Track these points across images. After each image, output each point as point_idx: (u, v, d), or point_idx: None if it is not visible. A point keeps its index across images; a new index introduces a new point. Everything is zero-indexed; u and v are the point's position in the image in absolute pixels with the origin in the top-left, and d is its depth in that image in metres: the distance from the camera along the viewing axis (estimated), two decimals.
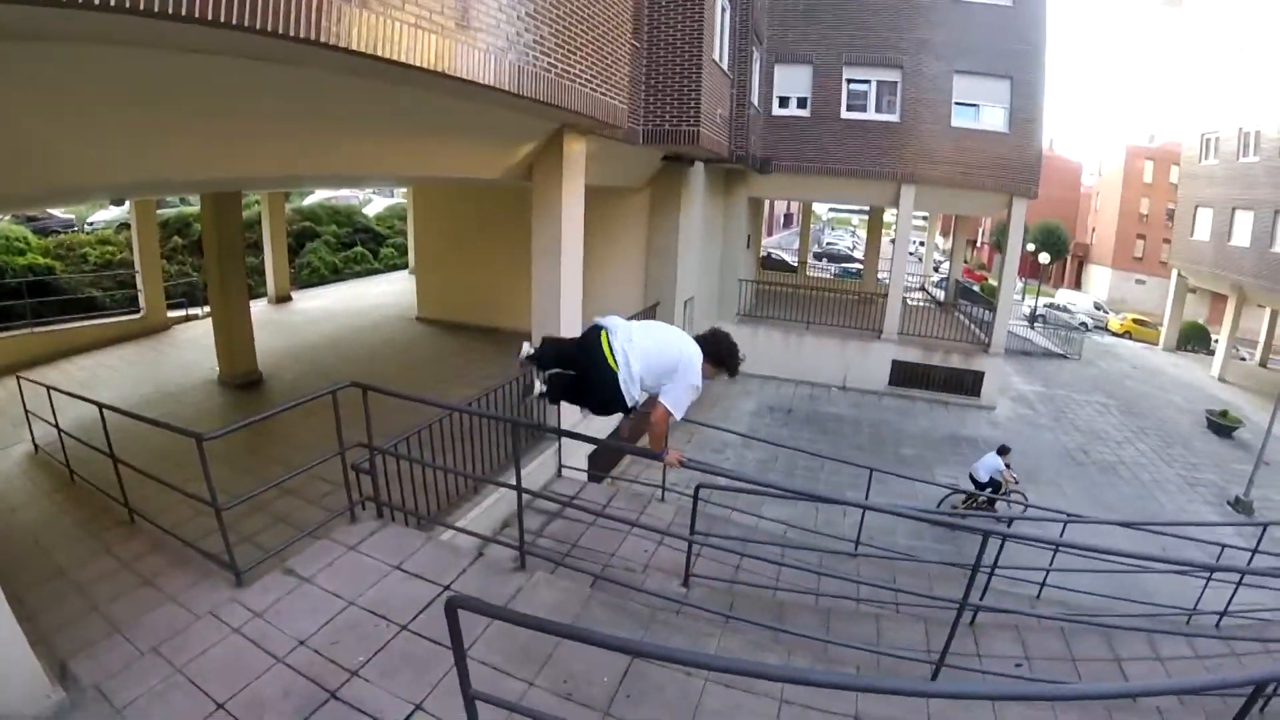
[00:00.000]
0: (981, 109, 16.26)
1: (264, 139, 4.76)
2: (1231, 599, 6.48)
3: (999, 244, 47.43)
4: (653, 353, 3.81)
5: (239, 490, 4.50)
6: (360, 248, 23.87)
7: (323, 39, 3.29)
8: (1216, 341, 27.50)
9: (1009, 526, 8.55)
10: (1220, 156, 24.61)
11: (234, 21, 2.86)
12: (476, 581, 4.40)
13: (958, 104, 16.19)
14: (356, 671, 3.52)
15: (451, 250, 14.16)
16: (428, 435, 5.89)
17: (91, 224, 20.69)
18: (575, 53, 6.20)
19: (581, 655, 3.75)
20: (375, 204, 31.50)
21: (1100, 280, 49.28)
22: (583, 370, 3.92)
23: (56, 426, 6.64)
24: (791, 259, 32.83)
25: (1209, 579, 7.22)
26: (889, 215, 25.64)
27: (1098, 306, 40.08)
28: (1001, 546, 6.02)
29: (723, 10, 11.40)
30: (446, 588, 4.26)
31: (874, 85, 16.52)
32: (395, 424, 5.54)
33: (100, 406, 5.55)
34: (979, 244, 55.52)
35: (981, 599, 5.83)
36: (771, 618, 5.65)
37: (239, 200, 10.68)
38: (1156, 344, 30.75)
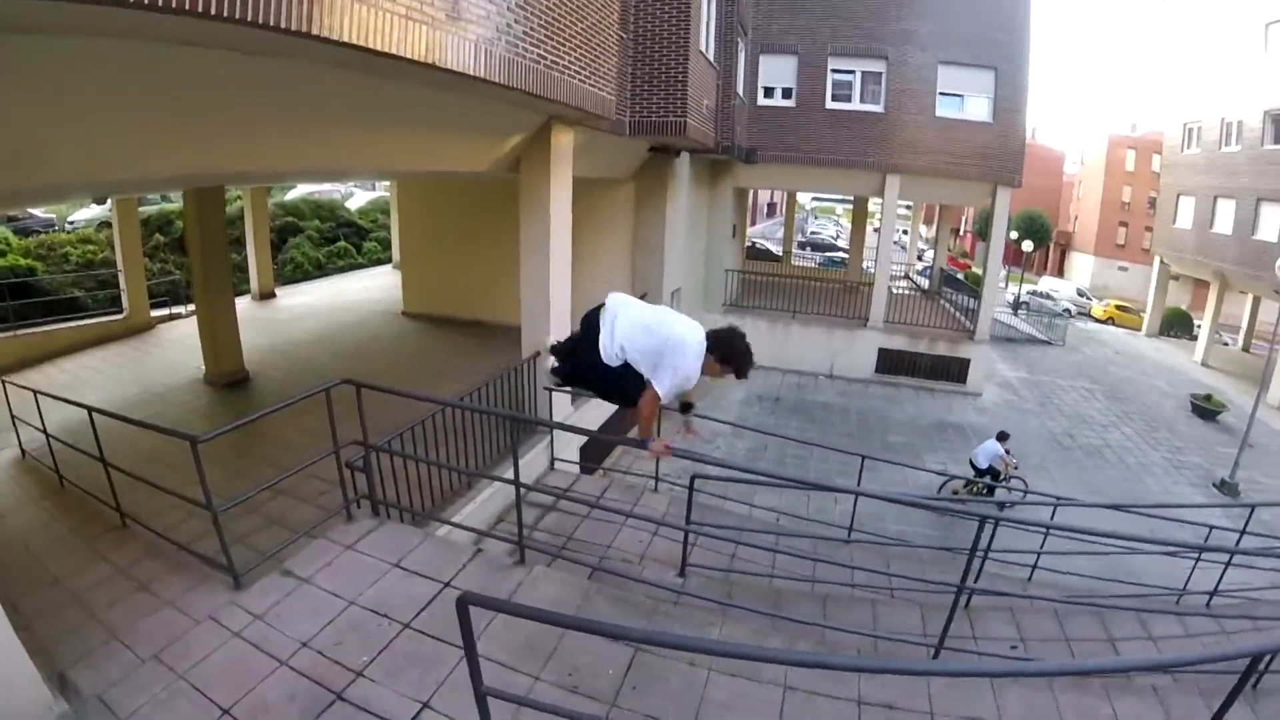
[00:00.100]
0: (966, 99, 16.35)
1: (254, 134, 4.70)
2: (1221, 579, 6.59)
3: (982, 232, 47.86)
4: (638, 326, 3.73)
5: (230, 492, 4.45)
6: (343, 243, 23.62)
7: (315, 31, 3.25)
8: (1199, 327, 27.87)
9: (1001, 510, 8.64)
10: (1202, 146, 24.93)
11: (225, 14, 2.81)
12: (477, 577, 4.37)
13: (942, 94, 16.27)
14: (361, 672, 3.49)
15: (436, 244, 14.06)
16: (420, 431, 5.84)
17: (72, 223, 20.37)
18: (564, 44, 6.16)
19: (586, 648, 3.76)
20: (357, 198, 31.22)
21: (1083, 267, 49.79)
22: (582, 348, 3.91)
23: (44, 431, 6.52)
24: (776, 248, 32.88)
25: (1198, 559, 7.33)
26: (873, 204, 25.76)
27: (1081, 293, 40.49)
28: (995, 530, 6.08)
29: (708, 1, 11.35)
30: (447, 584, 4.23)
31: (859, 76, 16.54)
32: (386, 420, 5.49)
33: (90, 410, 5.45)
34: (962, 232, 55.86)
35: (976, 582, 5.89)
36: (769, 605, 5.68)
37: (222, 196, 10.52)
38: (1139, 330, 31.15)
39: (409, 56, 3.99)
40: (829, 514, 9.65)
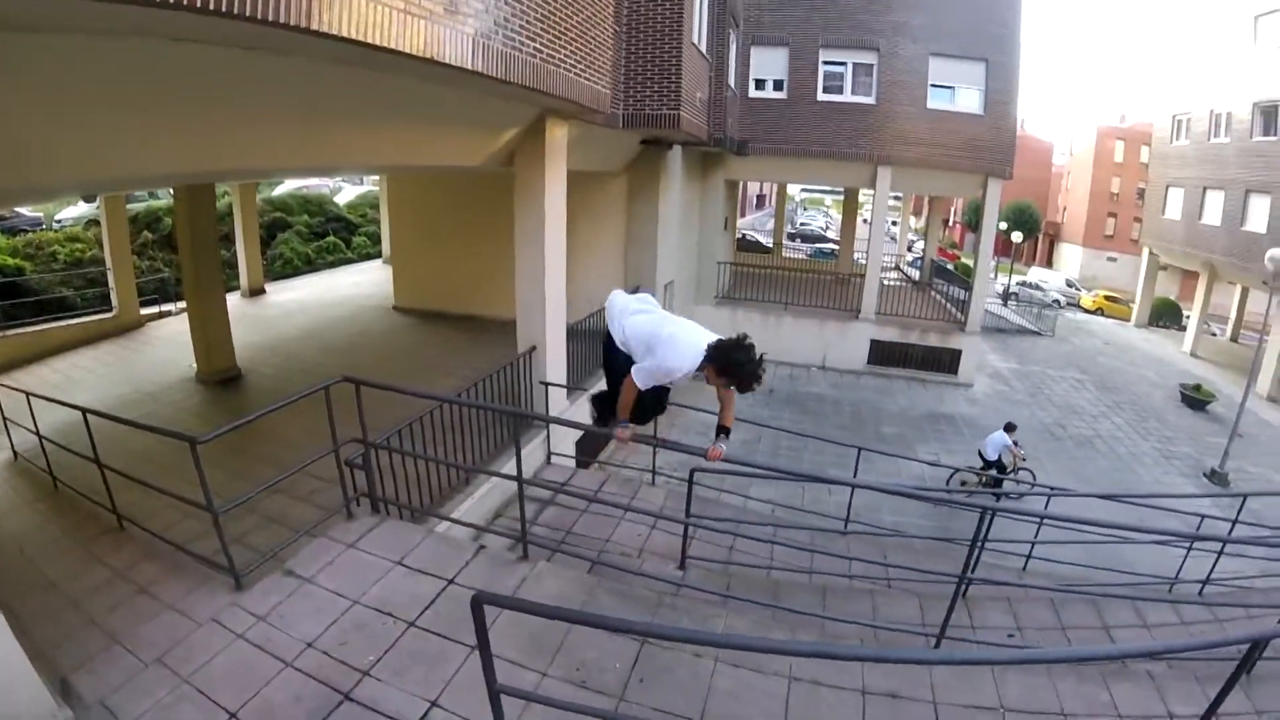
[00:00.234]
0: (957, 91, 16.40)
1: (252, 131, 4.64)
2: (1213, 568, 6.66)
3: (971, 223, 48.13)
4: (641, 318, 4.03)
5: (226, 491, 4.40)
6: (333, 237, 23.42)
7: (315, 26, 3.20)
8: (1188, 317, 28.10)
9: (999, 500, 8.72)
10: (1191, 137, 25.08)
11: (226, 10, 2.77)
12: (480, 574, 4.37)
13: (933, 86, 16.32)
14: (368, 671, 3.47)
15: (427, 238, 13.99)
16: (418, 428, 5.81)
17: (60, 221, 20.06)
18: (560, 38, 6.12)
19: (592, 642, 3.76)
20: (346, 192, 30.96)
21: (1072, 258, 50.12)
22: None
23: (36, 433, 6.43)
24: (766, 240, 32.90)
25: (1190, 549, 7.41)
26: (863, 195, 25.79)
27: (1070, 284, 40.78)
28: (992, 521, 6.13)
29: None
30: (451, 581, 4.22)
31: (850, 67, 16.54)
32: (382, 417, 5.43)
33: (84, 411, 5.38)
34: (951, 223, 56.08)
35: (973, 572, 5.95)
36: (769, 597, 5.72)
37: (213, 192, 10.44)
38: (1128, 320, 31.39)
39: (407, 51, 3.95)
40: (824, 505, 9.68)
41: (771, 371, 16.51)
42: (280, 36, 3.32)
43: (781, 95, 16.89)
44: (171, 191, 13.56)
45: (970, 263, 25.78)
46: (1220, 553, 6.76)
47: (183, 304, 11.85)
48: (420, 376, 10.04)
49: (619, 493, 7.54)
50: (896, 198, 40.60)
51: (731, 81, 14.71)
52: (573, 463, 8.63)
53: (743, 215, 42.48)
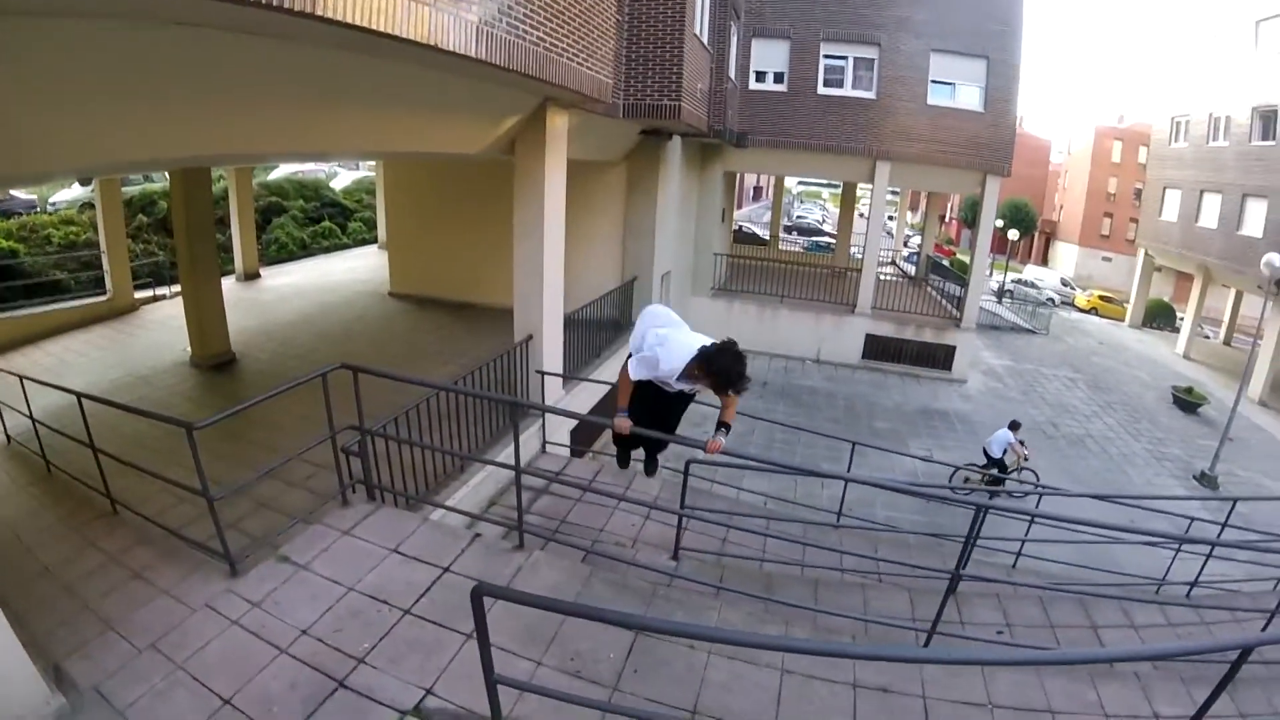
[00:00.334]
0: (957, 87, 16.37)
1: (249, 115, 4.60)
2: (1201, 570, 6.72)
3: (967, 219, 48.17)
4: (663, 330, 4.38)
5: (219, 476, 4.38)
6: (328, 222, 23.29)
7: (319, 12, 3.18)
8: (1181, 319, 28.19)
9: (992, 499, 8.76)
10: (1190, 140, 25.09)
11: None
12: (476, 563, 4.37)
13: (934, 82, 16.29)
14: (363, 659, 3.48)
15: (423, 224, 13.93)
16: (414, 415, 5.80)
17: (54, 204, 19.87)
18: (563, 26, 6.09)
19: (587, 632, 3.77)
20: (342, 177, 30.74)
21: (1067, 257, 50.25)
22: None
23: (30, 417, 6.36)
24: (762, 232, 32.86)
25: (1178, 550, 7.47)
26: (861, 189, 25.78)
27: (1065, 283, 40.87)
28: (984, 518, 6.17)
29: None
30: (446, 570, 4.23)
31: (851, 61, 16.49)
32: (376, 403, 5.41)
33: (79, 396, 5.34)
34: (947, 219, 56.13)
35: (964, 568, 5.99)
36: (761, 589, 5.74)
37: (209, 176, 10.34)
38: (1122, 320, 31.51)
39: (411, 38, 3.93)
40: (816, 499, 9.74)
41: (766, 364, 16.84)
42: (283, 21, 3.29)
43: (782, 88, 16.82)
44: (167, 175, 13.46)
45: (966, 259, 25.83)
46: (1209, 556, 6.82)
47: (177, 288, 11.76)
48: (416, 363, 10.01)
49: (613, 483, 7.54)
50: (894, 192, 40.66)
51: (732, 73, 14.66)
52: (567, 451, 8.64)
53: (739, 207, 42.44)
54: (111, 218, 12.23)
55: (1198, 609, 6.13)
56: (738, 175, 26.42)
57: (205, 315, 9.97)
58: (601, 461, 9.01)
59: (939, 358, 17.58)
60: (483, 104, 6.70)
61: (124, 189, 14.83)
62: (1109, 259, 46.92)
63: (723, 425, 4.42)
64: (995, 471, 11.45)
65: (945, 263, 24.46)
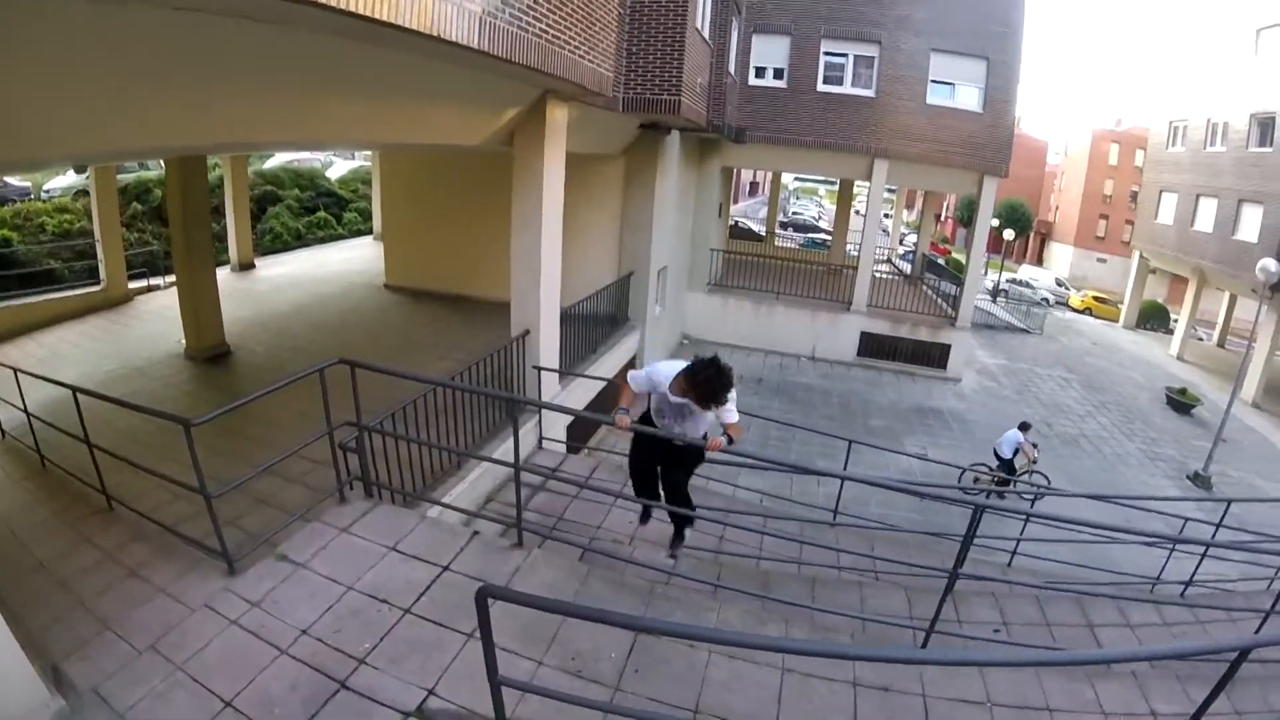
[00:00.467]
0: (957, 87, 16.34)
1: (249, 103, 4.53)
2: (1196, 570, 6.76)
3: (963, 218, 48.23)
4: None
5: (215, 472, 4.31)
6: (324, 213, 23.12)
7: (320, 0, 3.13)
8: (1176, 321, 28.33)
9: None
10: (1187, 144, 25.17)
11: None
12: (475, 561, 4.35)
13: (933, 82, 16.26)
14: (364, 659, 3.45)
15: (420, 216, 13.85)
16: (411, 410, 5.75)
17: (48, 191, 19.67)
18: (566, 19, 6.05)
19: (587, 632, 3.75)
20: (338, 167, 30.55)
21: (1062, 257, 50.42)
22: None
23: (24, 410, 6.28)
24: (759, 228, 32.84)
25: (1172, 550, 7.50)
26: (858, 186, 25.78)
27: (1059, 283, 40.98)
28: (981, 517, 6.18)
29: None
30: (445, 568, 4.20)
31: (851, 59, 16.45)
32: (373, 398, 5.36)
33: (74, 390, 5.27)
34: (944, 217, 56.21)
35: (961, 567, 6.00)
36: (759, 587, 5.74)
37: (205, 165, 10.23)
38: (1116, 321, 31.63)
39: (414, 28, 3.88)
40: (812, 496, 9.74)
41: (761, 361, 16.85)
42: (286, 8, 3.24)
43: (781, 84, 16.76)
44: (162, 163, 13.35)
45: (961, 258, 25.86)
46: (1203, 555, 6.86)
47: (172, 278, 11.67)
48: (411, 356, 9.97)
49: (610, 479, 7.53)
50: (891, 190, 40.73)
51: (732, 68, 14.60)
52: (564, 448, 8.62)
53: (735, 202, 42.42)
54: (106, 206, 12.13)
55: (1193, 608, 6.17)
56: (735, 171, 26.40)
57: (200, 306, 9.89)
58: (598, 458, 9.00)
59: (934, 356, 17.61)
60: (483, 95, 6.65)
61: (119, 176, 14.73)
62: (1104, 260, 47.09)
63: (730, 439, 4.55)
64: (1003, 474, 11.49)
65: (941, 261, 24.49)
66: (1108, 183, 47.72)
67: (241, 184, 15.42)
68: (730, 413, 4.36)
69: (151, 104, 3.93)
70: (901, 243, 36.46)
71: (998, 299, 30.88)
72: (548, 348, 8.49)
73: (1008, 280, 35.80)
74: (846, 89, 16.60)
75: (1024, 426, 11.85)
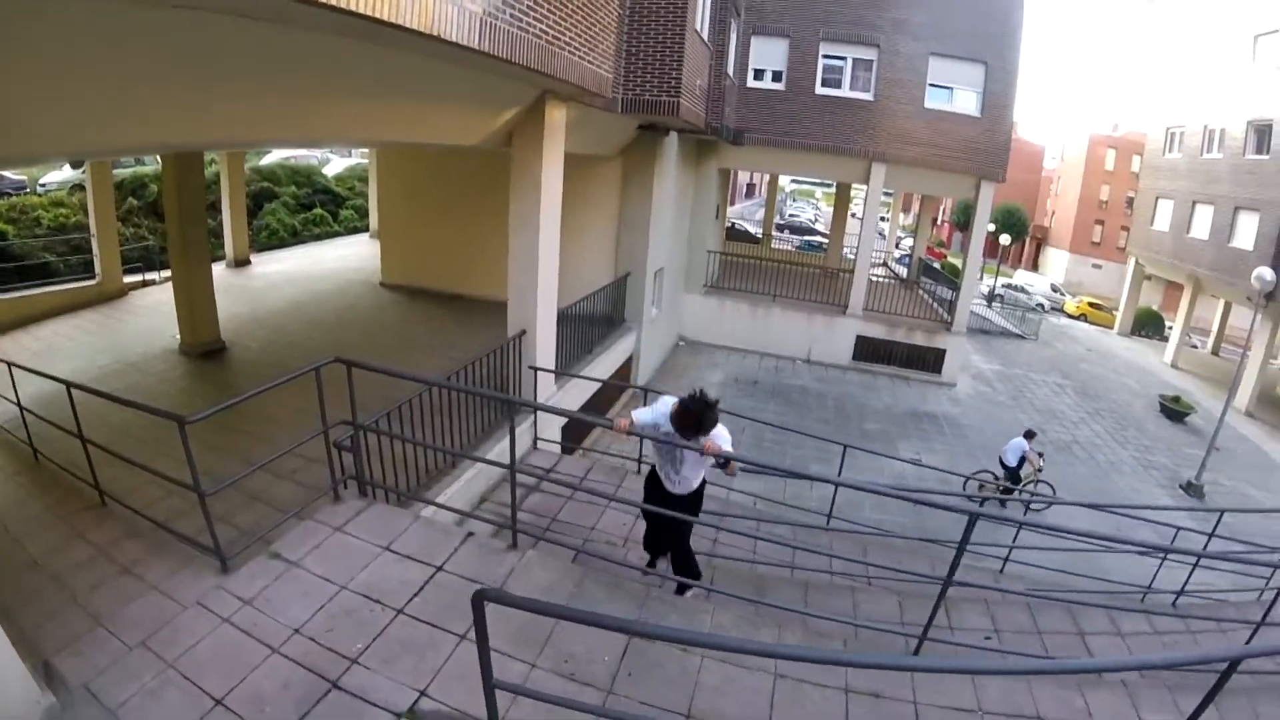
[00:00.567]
0: (955, 92, 16.38)
1: (247, 101, 4.53)
2: (1187, 580, 6.78)
3: (959, 222, 48.31)
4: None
5: (209, 468, 4.31)
6: (320, 209, 23.12)
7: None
8: (1170, 328, 28.41)
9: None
10: (1184, 151, 25.27)
11: None
12: (469, 562, 4.34)
13: (932, 85, 16.28)
14: (356, 659, 3.44)
15: (416, 214, 13.86)
16: (407, 409, 5.76)
17: (44, 185, 19.64)
18: (566, 20, 6.05)
19: (580, 635, 3.75)
20: (334, 164, 30.51)
21: (1057, 263, 50.56)
22: None
23: (18, 404, 6.25)
24: (755, 230, 32.87)
25: (1164, 559, 7.53)
26: (855, 189, 25.81)
27: (1055, 289, 41.16)
28: (974, 524, 6.19)
29: None
30: (439, 569, 4.19)
31: (849, 62, 16.46)
32: (369, 395, 5.34)
33: (68, 385, 5.24)
34: (940, 221, 56.33)
35: (954, 575, 6.02)
36: (752, 591, 5.75)
37: (201, 160, 10.22)
38: (1111, 328, 31.76)
39: (415, 27, 3.88)
40: (805, 500, 9.74)
41: (757, 363, 16.88)
42: (286, 6, 3.24)
43: (780, 86, 16.78)
44: (159, 158, 13.31)
45: (957, 262, 25.90)
46: (1195, 565, 6.89)
47: (167, 273, 11.65)
48: (407, 355, 9.96)
49: (605, 480, 7.54)
50: (888, 194, 40.80)
51: (730, 70, 14.62)
52: (558, 448, 8.62)
53: (732, 204, 42.48)
54: (102, 200, 12.09)
55: (1184, 618, 6.20)
56: (732, 172, 26.43)
57: (196, 302, 9.86)
58: (592, 459, 9.00)
59: (929, 361, 17.65)
60: (482, 95, 6.65)
61: (115, 171, 14.69)
62: (1099, 266, 47.24)
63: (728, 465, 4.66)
64: (1008, 482, 11.53)
65: (936, 265, 24.55)
66: (1104, 188, 47.88)
67: (238, 180, 15.40)
68: (724, 441, 4.52)
69: (151, 102, 3.92)
70: (898, 246, 36.53)
71: (993, 304, 30.96)
72: (544, 348, 8.49)
73: (1003, 285, 35.90)
74: (845, 92, 16.62)
75: (1029, 435, 11.89)
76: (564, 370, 9.41)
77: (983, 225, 17.36)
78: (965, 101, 16.38)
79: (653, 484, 5.04)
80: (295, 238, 20.90)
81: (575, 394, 9.82)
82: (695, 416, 4.34)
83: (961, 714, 3.84)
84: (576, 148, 9.13)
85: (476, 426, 7.13)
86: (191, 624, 3.62)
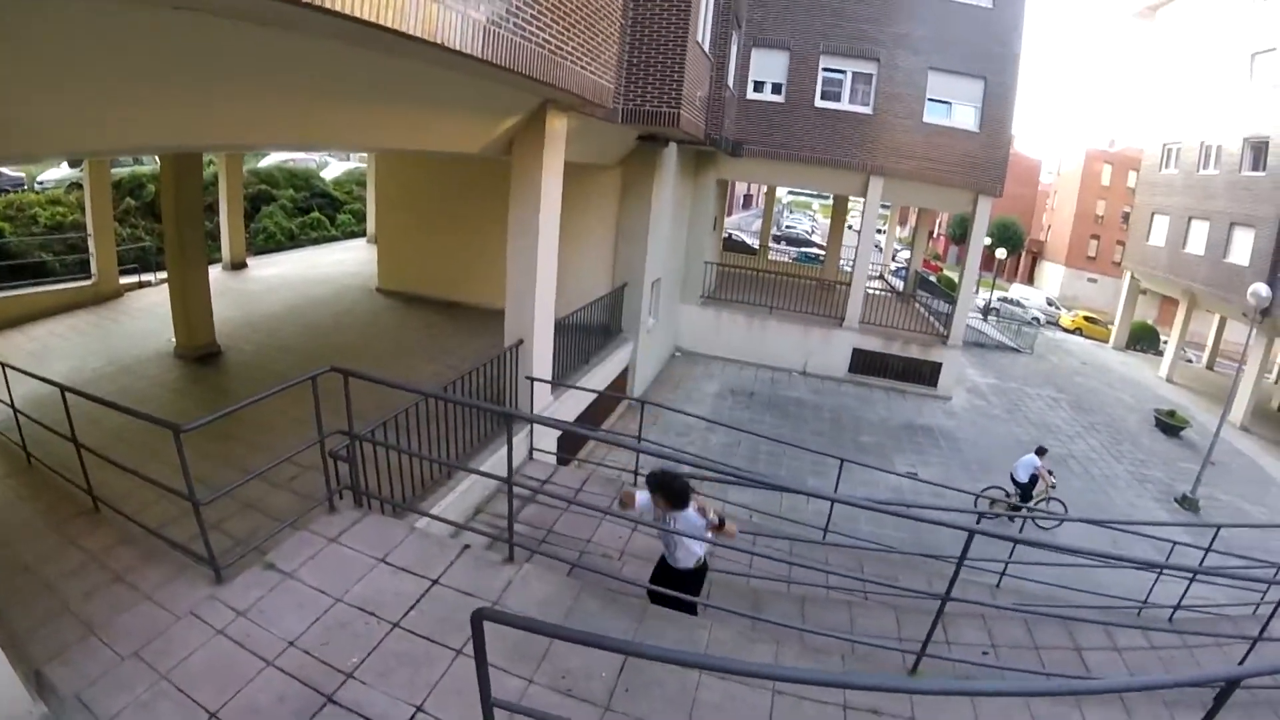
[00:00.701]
0: (954, 106, 16.43)
1: (248, 104, 4.50)
2: (1184, 594, 6.77)
3: (955, 235, 48.50)
4: None
5: (203, 474, 4.26)
6: (317, 213, 23.02)
7: (327, 5, 3.10)
8: (1165, 342, 28.49)
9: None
10: (1180, 167, 25.40)
11: None
12: (465, 575, 4.30)
13: (931, 100, 16.34)
14: (351, 673, 3.40)
15: (415, 221, 13.81)
16: (403, 418, 5.71)
17: (42, 183, 19.53)
18: (569, 29, 6.05)
19: (578, 650, 3.71)
20: (333, 168, 30.44)
21: (1053, 277, 50.77)
22: None
23: (12, 406, 6.17)
24: (752, 241, 32.93)
25: (1160, 573, 7.52)
26: (852, 201, 25.88)
27: (1050, 302, 41.27)
28: (972, 540, 6.18)
29: None
30: (435, 582, 4.15)
31: (849, 76, 16.53)
32: (364, 402, 5.30)
33: (63, 389, 5.18)
34: (935, 235, 56.57)
35: (951, 590, 6.00)
36: (749, 605, 5.73)
37: (200, 161, 10.15)
38: (1106, 342, 31.85)
39: (418, 35, 3.87)
40: (802, 513, 9.70)
41: (754, 375, 16.88)
42: (290, 11, 3.22)
43: (779, 99, 16.83)
44: (157, 158, 13.27)
45: (953, 275, 25.96)
46: (1191, 580, 6.89)
47: (163, 274, 11.57)
48: (403, 362, 9.92)
49: (601, 493, 7.50)
50: (885, 206, 40.94)
51: (730, 82, 14.66)
52: (554, 459, 8.57)
53: (729, 214, 42.58)
54: (99, 200, 12.01)
55: (1181, 634, 6.19)
56: (729, 183, 26.48)
57: (192, 305, 9.78)
58: (588, 470, 8.96)
59: (925, 374, 17.67)
60: (483, 103, 6.64)
61: (113, 170, 14.61)
62: (1094, 280, 47.46)
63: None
64: (1019, 498, 11.53)
65: (932, 279, 24.60)
66: (1100, 203, 48.15)
67: (236, 182, 15.33)
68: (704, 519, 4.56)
69: (150, 103, 3.90)
70: (894, 259, 36.63)
71: (989, 317, 31.04)
72: (541, 358, 8.46)
73: (999, 299, 36.01)
74: (844, 105, 16.67)
75: (1040, 451, 11.89)
76: (560, 380, 9.37)
77: (980, 239, 17.42)
78: (964, 116, 16.44)
79: (661, 560, 5.06)
80: (292, 241, 20.82)
81: (572, 404, 9.78)
82: (661, 491, 4.47)
83: None
84: (576, 157, 9.13)
85: (473, 436, 7.08)
86: (185, 635, 3.58)
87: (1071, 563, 6.62)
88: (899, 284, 24.95)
